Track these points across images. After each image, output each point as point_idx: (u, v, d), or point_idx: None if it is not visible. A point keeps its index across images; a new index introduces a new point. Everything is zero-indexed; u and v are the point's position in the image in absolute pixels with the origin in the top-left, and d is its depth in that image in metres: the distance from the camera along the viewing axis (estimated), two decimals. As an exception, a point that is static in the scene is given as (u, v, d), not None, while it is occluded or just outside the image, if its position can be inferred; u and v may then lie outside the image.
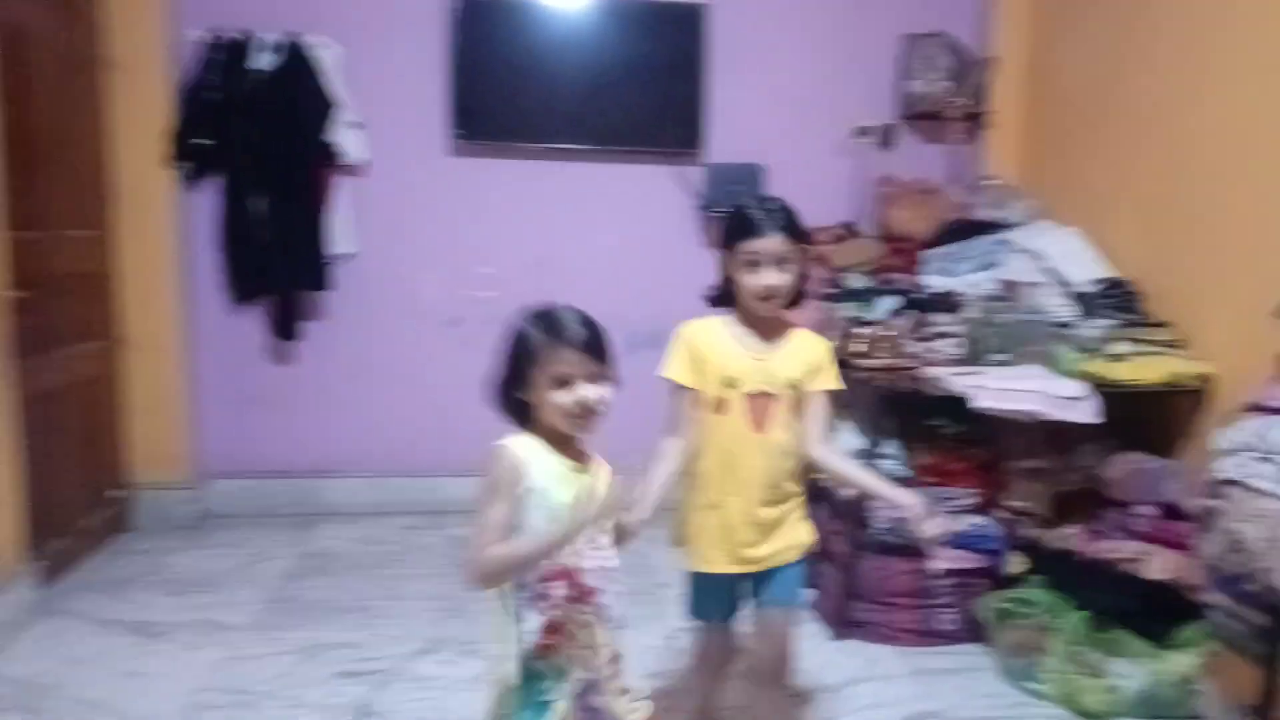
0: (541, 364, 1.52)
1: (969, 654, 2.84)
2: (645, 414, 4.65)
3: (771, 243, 1.84)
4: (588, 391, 1.52)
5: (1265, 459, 2.08)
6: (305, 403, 3.96)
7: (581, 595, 1.53)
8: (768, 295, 1.85)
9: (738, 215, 1.90)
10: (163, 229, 3.67)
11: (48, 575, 3.07)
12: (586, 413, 1.52)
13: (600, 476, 1.60)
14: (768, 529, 1.93)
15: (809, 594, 2.07)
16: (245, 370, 3.92)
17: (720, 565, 1.94)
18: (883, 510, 2.90)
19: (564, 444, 1.56)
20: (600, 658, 1.55)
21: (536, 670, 1.51)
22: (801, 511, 2.00)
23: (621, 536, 1.63)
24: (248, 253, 3.71)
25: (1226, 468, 2.18)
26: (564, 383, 1.52)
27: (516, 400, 1.56)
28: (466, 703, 2.46)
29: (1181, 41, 3.01)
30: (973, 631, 2.87)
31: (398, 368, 3.97)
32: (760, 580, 1.98)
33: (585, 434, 1.57)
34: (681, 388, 1.90)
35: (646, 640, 2.82)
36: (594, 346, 1.54)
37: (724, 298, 1.95)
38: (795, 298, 1.92)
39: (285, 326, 3.81)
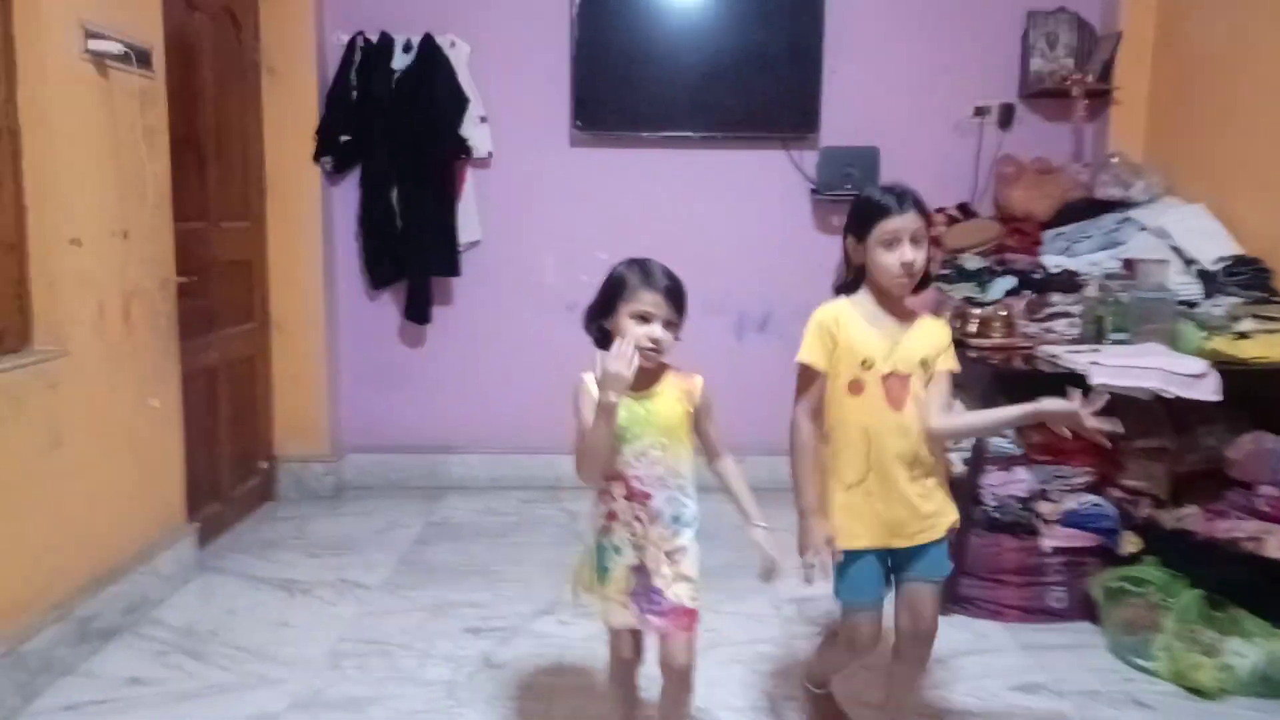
0: (628, 299, 1.84)
1: (1079, 631, 2.86)
2: (755, 396, 4.78)
3: (907, 220, 1.90)
4: (660, 331, 1.83)
5: (1390, 431, 2.05)
6: (434, 382, 4.26)
7: (632, 495, 1.87)
8: (906, 272, 1.91)
9: (867, 200, 1.96)
10: (308, 220, 4.02)
11: (203, 537, 3.42)
12: (656, 346, 1.83)
13: (669, 398, 1.89)
14: (912, 504, 1.97)
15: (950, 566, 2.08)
16: (380, 351, 4.25)
17: (867, 541, 1.98)
18: (992, 487, 2.95)
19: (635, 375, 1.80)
20: (654, 548, 1.87)
21: (602, 544, 1.92)
22: (945, 487, 2.05)
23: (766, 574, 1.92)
24: (384, 241, 4.03)
25: (1349, 441, 2.15)
26: (644, 319, 1.83)
27: (601, 327, 1.90)
28: (582, 658, 2.66)
29: (1317, 7, 2.94)
30: (1083, 610, 2.89)
31: (518, 350, 4.22)
32: (906, 557, 2.02)
33: (650, 364, 1.84)
34: (815, 371, 1.97)
35: (756, 609, 2.97)
36: (674, 295, 1.86)
37: (853, 286, 2.02)
38: (924, 278, 1.98)
39: (417, 310, 4.11)
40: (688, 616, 1.89)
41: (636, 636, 1.99)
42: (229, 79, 3.69)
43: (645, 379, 1.85)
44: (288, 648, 2.75)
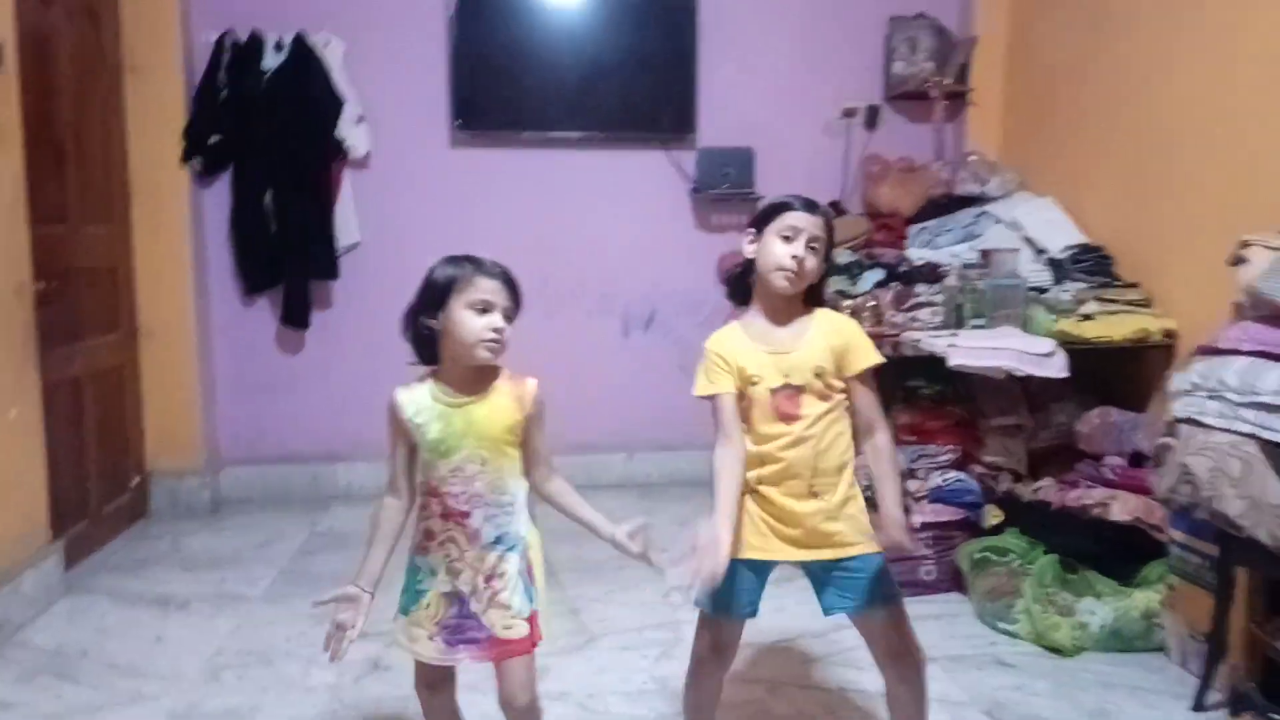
0: (463, 289, 1.70)
1: (949, 601, 3.02)
2: (645, 392, 4.84)
3: (812, 221, 1.86)
4: (498, 320, 1.71)
5: (1213, 396, 2.25)
6: (314, 390, 4.19)
7: (448, 514, 1.75)
8: (796, 268, 1.84)
9: (778, 200, 1.91)
10: (177, 223, 3.90)
11: (70, 556, 3.27)
12: (497, 339, 1.70)
13: (495, 403, 1.76)
14: (808, 522, 1.88)
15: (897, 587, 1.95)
16: (257, 359, 4.15)
17: (753, 552, 1.91)
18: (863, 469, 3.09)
19: (463, 375, 1.74)
20: (469, 573, 1.75)
21: (417, 563, 1.81)
22: (859, 512, 1.91)
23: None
24: (258, 245, 3.94)
25: (1178, 407, 2.35)
26: (483, 309, 1.70)
27: (427, 327, 1.76)
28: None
29: (1153, 16, 3.20)
30: (952, 581, 3.06)
31: (401, 354, 4.15)
32: (829, 580, 1.92)
33: (491, 360, 1.73)
34: (717, 398, 1.89)
35: (645, 598, 3.03)
36: (510, 282, 1.74)
37: (741, 282, 1.98)
38: (814, 292, 1.94)
39: (295, 315, 4.03)
40: (512, 647, 1.77)
41: (446, 669, 1.86)
42: (89, 77, 3.56)
43: (474, 381, 1.75)
44: (162, 663, 2.67)
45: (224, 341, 4.12)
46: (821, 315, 1.93)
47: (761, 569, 1.93)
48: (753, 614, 1.97)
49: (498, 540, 1.76)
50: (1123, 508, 2.72)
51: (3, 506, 2.85)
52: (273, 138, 3.86)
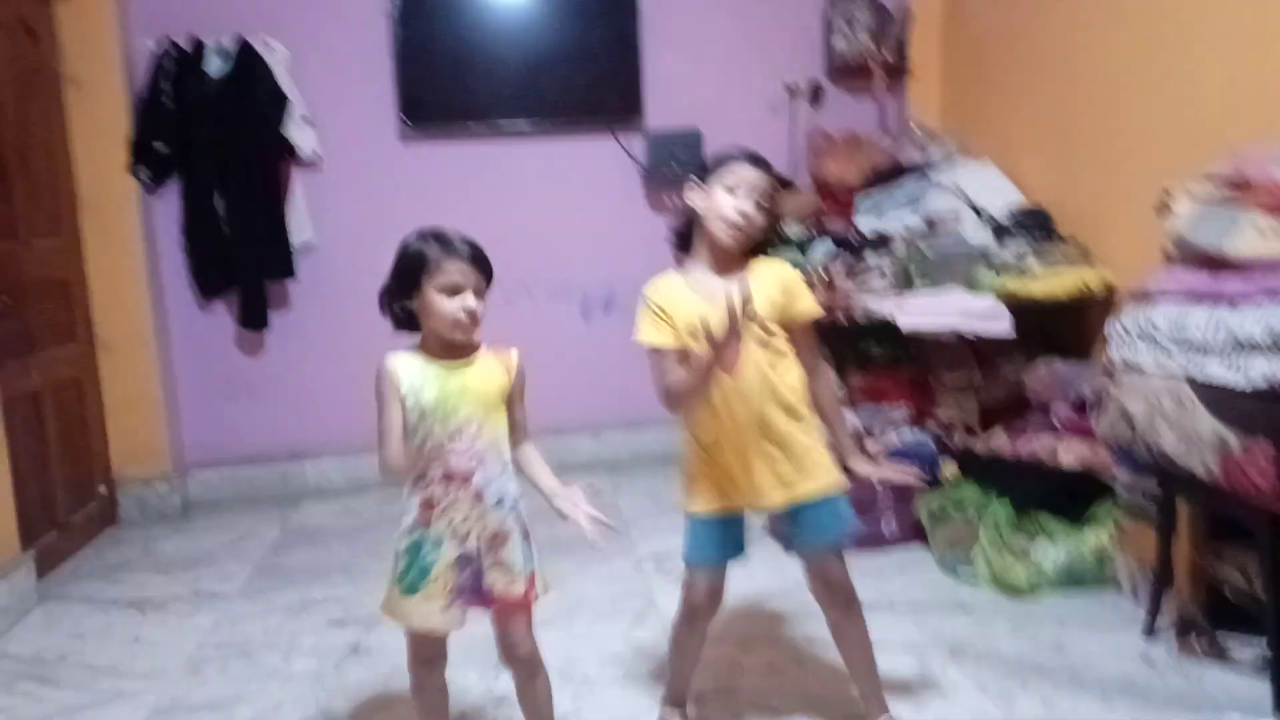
0: (432, 273, 1.74)
1: (910, 553, 3.13)
2: (608, 373, 4.90)
3: (754, 174, 1.88)
4: (470, 301, 1.75)
5: (1146, 339, 2.35)
6: (277, 389, 4.20)
7: (451, 476, 1.77)
8: (741, 221, 1.86)
9: (724, 151, 1.94)
10: (128, 233, 3.89)
11: (42, 566, 3.26)
12: (470, 319, 1.75)
13: (485, 369, 1.81)
14: (765, 468, 1.92)
15: (849, 526, 2.03)
16: (217, 362, 4.15)
17: (714, 504, 1.97)
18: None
19: (446, 348, 1.79)
20: (476, 534, 1.79)
21: (419, 541, 1.80)
22: (819, 448, 1.97)
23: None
24: (211, 249, 3.94)
25: (1117, 352, 2.45)
26: (453, 290, 1.74)
27: (404, 308, 1.81)
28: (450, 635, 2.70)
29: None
30: (913, 534, 3.16)
31: (363, 349, 4.11)
32: (793, 523, 1.99)
33: (466, 337, 1.78)
34: (660, 350, 1.91)
35: (618, 569, 3.10)
36: (479, 260, 1.77)
37: (685, 237, 1.99)
38: (759, 247, 1.95)
39: (253, 317, 4.04)
40: (509, 604, 1.82)
41: (441, 639, 1.89)
42: (28, 91, 3.53)
43: (459, 351, 1.80)
44: (143, 662, 2.69)
45: (183, 347, 4.12)
46: (761, 264, 1.95)
47: (726, 519, 1.99)
48: (739, 553, 2.04)
49: (499, 501, 1.80)
50: (1070, 453, 2.83)
51: (-30, 519, 2.84)
52: (220, 142, 3.85)
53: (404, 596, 1.82)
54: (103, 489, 3.89)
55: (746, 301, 1.75)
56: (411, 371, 1.79)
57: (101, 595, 3.21)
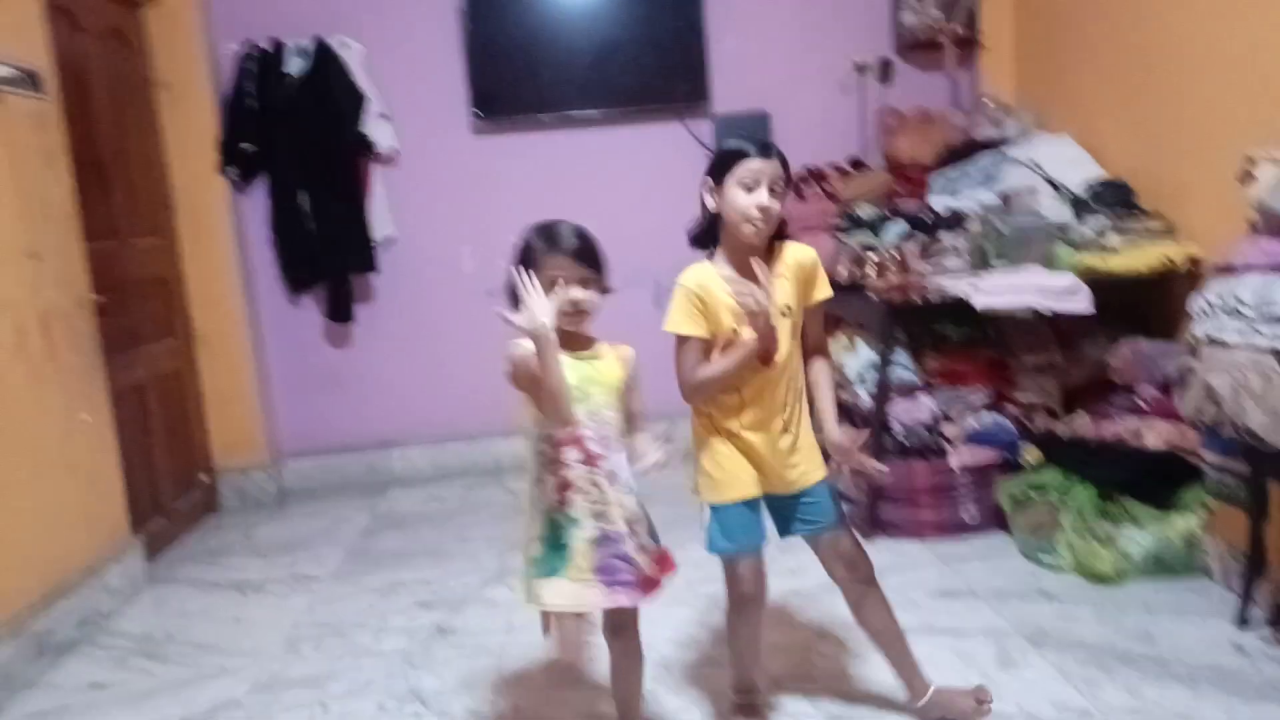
0: (539, 268, 1.79)
1: (991, 540, 3.09)
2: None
3: (768, 165, 1.87)
4: (576, 293, 1.79)
5: (1230, 314, 2.27)
6: (365, 380, 4.33)
7: (589, 458, 1.82)
8: (763, 216, 1.87)
9: (731, 147, 1.93)
10: (220, 231, 4.05)
11: (150, 550, 3.45)
12: (576, 311, 1.80)
13: (608, 362, 1.87)
14: (788, 452, 1.99)
15: (845, 506, 2.15)
16: (307, 355, 4.30)
17: (741, 492, 1.99)
18: (899, 416, 3.15)
19: (565, 338, 1.81)
20: (616, 511, 1.82)
21: (556, 521, 1.83)
22: (811, 436, 2.05)
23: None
24: (298, 245, 4.07)
25: (1198, 328, 2.37)
26: (557, 285, 1.78)
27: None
28: (531, 617, 2.77)
29: (1151, -57, 3.17)
30: (994, 520, 3.11)
31: (445, 340, 4.31)
32: (793, 511, 2.04)
33: (576, 327, 1.83)
34: (692, 339, 1.93)
35: (694, 555, 3.12)
36: (583, 254, 1.81)
37: (707, 235, 1.99)
38: (779, 231, 1.95)
39: (339, 310, 4.17)
40: (651, 585, 1.87)
41: (583, 624, 1.91)
42: (124, 98, 3.70)
43: (581, 342, 1.85)
44: (244, 640, 2.83)
45: (275, 340, 4.28)
46: (786, 251, 1.97)
47: (755, 505, 2.03)
48: (764, 539, 2.06)
49: (629, 486, 1.86)
50: (1156, 435, 2.75)
51: (86, 508, 3.02)
52: (302, 140, 3.98)
53: (545, 579, 1.82)
54: (204, 477, 4.08)
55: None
56: None
57: (205, 578, 3.38)
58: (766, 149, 1.90)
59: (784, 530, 2.09)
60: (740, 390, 1.95)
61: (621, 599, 1.84)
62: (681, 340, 1.94)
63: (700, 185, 1.96)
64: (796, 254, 1.99)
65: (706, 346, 1.94)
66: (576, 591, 1.81)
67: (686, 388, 1.95)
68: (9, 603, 2.61)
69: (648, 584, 1.87)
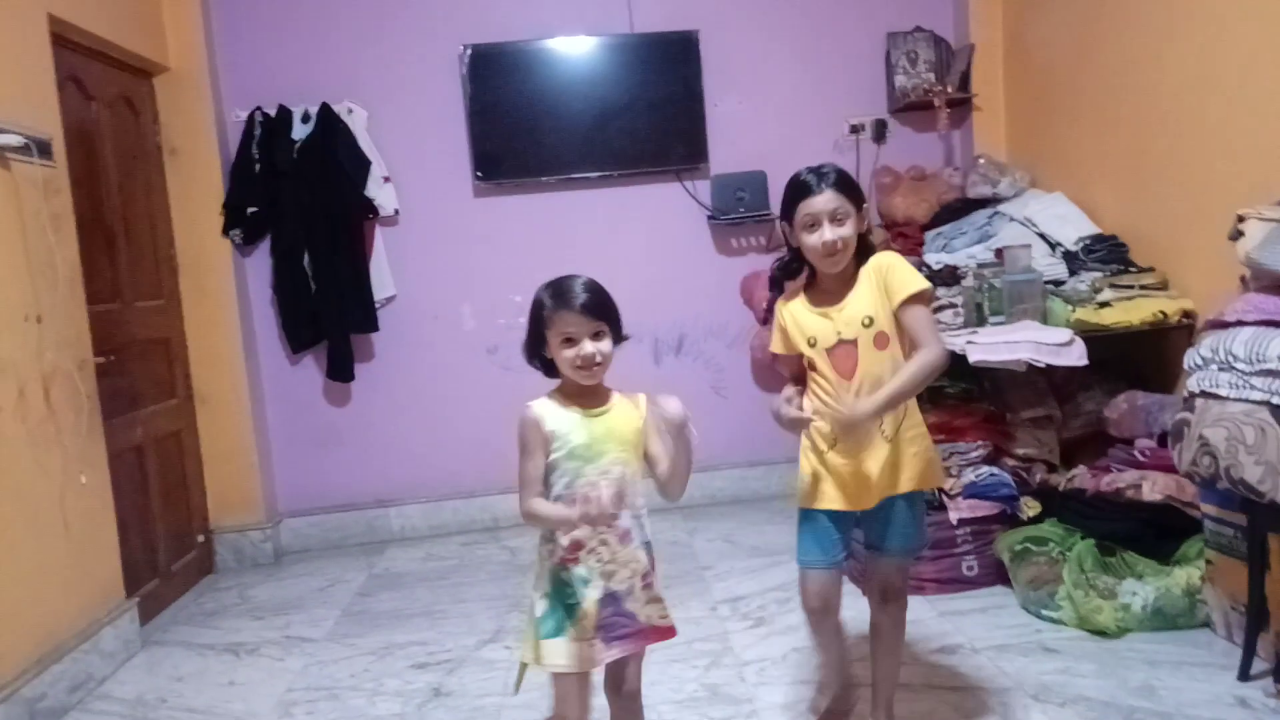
0: (550, 326, 1.83)
1: (991, 594, 3.06)
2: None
3: (824, 199, 1.93)
4: (588, 347, 1.81)
5: (1224, 368, 2.29)
6: (364, 439, 4.34)
7: (600, 521, 1.78)
8: (830, 251, 1.94)
9: (792, 181, 2.01)
10: (223, 292, 4.10)
11: (144, 613, 3.43)
12: (589, 364, 1.81)
13: (622, 412, 1.88)
14: (880, 467, 2.01)
15: (920, 537, 2.14)
16: (307, 414, 4.32)
17: (828, 503, 2.04)
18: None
19: (581, 392, 1.86)
20: (624, 572, 1.83)
21: (565, 579, 1.83)
22: (921, 445, 2.06)
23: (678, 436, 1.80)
24: (300, 305, 4.13)
25: (1192, 381, 2.39)
26: (570, 340, 1.81)
27: (542, 357, 1.88)
28: (530, 678, 2.75)
29: (1135, 6, 3.27)
30: (994, 574, 3.09)
31: (445, 398, 4.34)
32: (875, 522, 2.08)
33: (592, 381, 1.84)
34: (781, 356, 2.14)
35: (694, 613, 3.10)
36: (591, 307, 1.82)
37: (792, 268, 2.09)
38: (861, 251, 2.02)
39: (340, 369, 4.20)
40: (658, 635, 1.89)
41: (585, 683, 1.89)
42: (131, 163, 3.79)
43: (595, 397, 1.87)
44: (237, 704, 2.80)
45: (275, 400, 4.30)
46: (869, 264, 2.02)
47: (841, 519, 2.06)
48: (840, 562, 2.09)
49: (644, 541, 1.87)
50: (1154, 487, 2.75)
51: (81, 570, 3.01)
52: (306, 203, 4.06)
53: (550, 639, 1.82)
54: (201, 538, 4.08)
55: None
56: (557, 417, 1.84)
57: (199, 640, 3.35)
58: (821, 180, 1.96)
59: (869, 546, 2.13)
60: (825, 400, 2.01)
61: (615, 651, 1.85)
62: (774, 359, 2.19)
63: (779, 228, 2.15)
64: (875, 261, 2.04)
65: (795, 362, 2.11)
66: (578, 651, 1.82)
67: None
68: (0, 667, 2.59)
69: (654, 633, 1.88)
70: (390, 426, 4.35)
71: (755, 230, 4.40)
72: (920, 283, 1.99)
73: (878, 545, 2.11)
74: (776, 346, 2.14)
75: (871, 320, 1.98)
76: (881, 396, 1.93)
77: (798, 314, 2.07)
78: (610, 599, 1.83)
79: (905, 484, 2.04)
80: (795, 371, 2.13)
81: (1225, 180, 2.88)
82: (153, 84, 3.97)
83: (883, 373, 1.97)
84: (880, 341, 1.99)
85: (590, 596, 1.81)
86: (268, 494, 4.25)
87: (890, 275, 1.99)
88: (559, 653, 1.81)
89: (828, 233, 1.93)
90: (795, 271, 2.09)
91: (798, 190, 1.97)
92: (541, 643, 1.82)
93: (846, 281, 2.02)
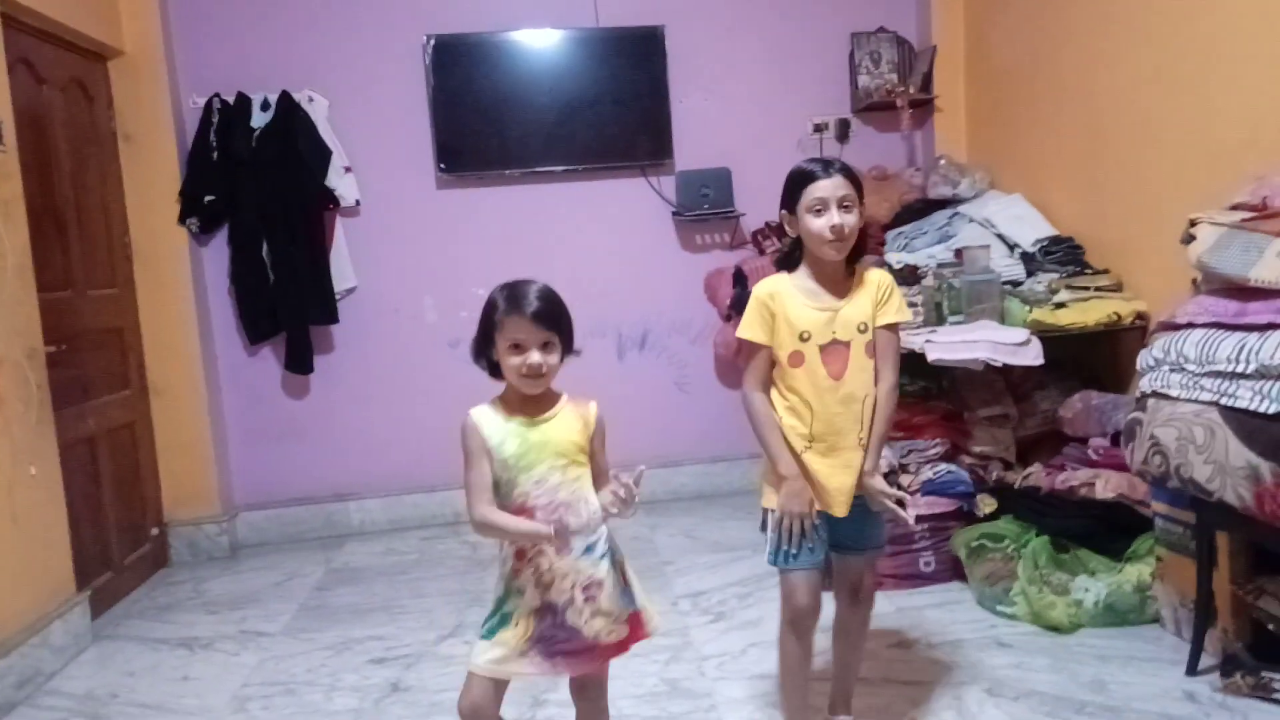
0: (500, 330, 1.78)
1: (948, 590, 3.11)
2: (644, 410, 4.93)
3: (835, 184, 1.92)
4: (535, 357, 1.77)
5: (1175, 369, 2.34)
6: (322, 432, 4.29)
7: None
8: (836, 236, 1.92)
9: (796, 170, 1.99)
10: (179, 282, 4.02)
11: (96, 607, 3.36)
12: (534, 374, 1.77)
13: (564, 421, 1.83)
14: (848, 474, 2.01)
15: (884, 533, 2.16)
16: (264, 407, 4.25)
17: (826, 508, 2.03)
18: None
19: (524, 399, 1.82)
20: (563, 583, 1.79)
21: (508, 589, 1.82)
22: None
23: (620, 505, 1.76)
24: (258, 296, 4.06)
25: (1144, 382, 2.43)
26: (517, 347, 1.77)
27: (489, 358, 1.83)
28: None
29: (1092, 11, 3.32)
30: (951, 570, 3.13)
31: (405, 391, 4.29)
32: (846, 522, 2.04)
33: (535, 391, 1.80)
34: (757, 345, 2.03)
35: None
36: (544, 316, 1.78)
37: (794, 258, 2.05)
38: (858, 247, 2.00)
39: (298, 361, 4.14)
40: (612, 651, 1.85)
41: (498, 685, 1.84)
42: (85, 149, 3.70)
43: (539, 404, 1.83)
44: (190, 700, 2.76)
45: (232, 391, 4.23)
46: (867, 274, 2.04)
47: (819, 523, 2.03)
48: (821, 563, 2.06)
49: (588, 549, 1.81)
50: (1107, 486, 2.80)
51: (29, 562, 2.94)
52: (265, 192, 3.99)
53: (482, 640, 1.83)
54: (155, 531, 4.00)
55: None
56: (494, 426, 1.81)
57: (152, 635, 3.29)
58: (828, 167, 1.96)
59: (833, 545, 2.08)
60: (809, 401, 1.99)
61: (561, 668, 1.82)
62: (743, 344, 2.06)
63: (781, 218, 2.05)
64: (874, 276, 2.06)
65: (768, 357, 2.03)
66: (507, 658, 1.80)
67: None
68: (-55, 661, 2.53)
69: (600, 651, 1.83)
70: (350, 419, 4.30)
71: (720, 227, 4.41)
72: (907, 314, 2.08)
73: (851, 545, 2.11)
74: (758, 335, 2.03)
75: (866, 327, 2.00)
76: (877, 454, 2.04)
77: (790, 306, 2.00)
78: (548, 610, 1.79)
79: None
80: (764, 372, 2.04)
81: (1178, 185, 2.93)
82: (107, 68, 3.88)
83: (867, 381, 2.01)
84: (869, 350, 2.01)
85: (523, 608, 1.79)
86: (224, 487, 4.19)
87: (891, 296, 2.04)
88: (488, 655, 1.80)
89: (835, 216, 1.92)
90: (796, 261, 2.04)
91: (803, 176, 1.96)
92: (480, 642, 1.82)
93: (837, 281, 2.01)
